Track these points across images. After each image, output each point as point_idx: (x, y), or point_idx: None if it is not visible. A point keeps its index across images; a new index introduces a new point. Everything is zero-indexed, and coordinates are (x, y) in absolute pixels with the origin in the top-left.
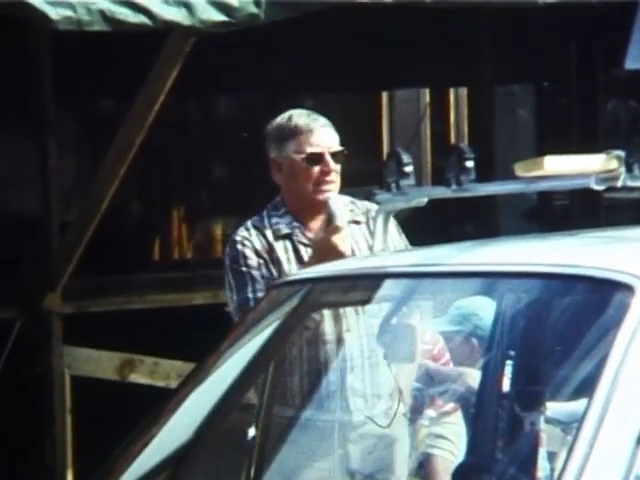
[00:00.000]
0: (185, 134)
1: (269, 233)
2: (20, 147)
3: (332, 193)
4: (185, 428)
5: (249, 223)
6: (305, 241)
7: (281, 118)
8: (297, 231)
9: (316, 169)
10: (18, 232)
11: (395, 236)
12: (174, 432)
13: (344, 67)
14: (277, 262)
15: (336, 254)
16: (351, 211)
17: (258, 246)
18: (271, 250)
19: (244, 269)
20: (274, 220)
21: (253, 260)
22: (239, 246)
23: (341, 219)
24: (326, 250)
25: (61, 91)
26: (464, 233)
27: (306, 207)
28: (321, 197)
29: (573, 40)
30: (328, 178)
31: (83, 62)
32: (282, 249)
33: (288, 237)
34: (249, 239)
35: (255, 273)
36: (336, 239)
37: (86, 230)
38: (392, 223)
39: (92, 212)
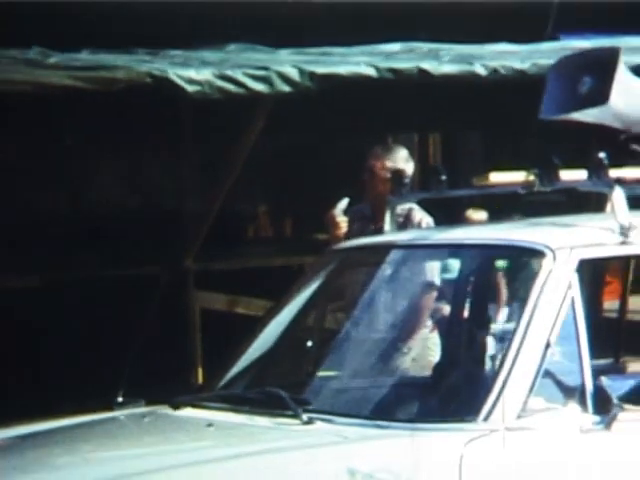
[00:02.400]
0: (274, 158)
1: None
2: (167, 164)
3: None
4: (269, 341)
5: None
6: (369, 228)
7: None
8: (368, 220)
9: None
10: (166, 218)
11: (416, 224)
12: (262, 343)
13: (363, 121)
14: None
15: (332, 234)
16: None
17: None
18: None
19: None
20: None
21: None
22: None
23: (334, 212)
24: (329, 231)
25: (194, 130)
26: (440, 221)
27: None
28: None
29: (507, 98)
30: (365, 188)
31: (207, 114)
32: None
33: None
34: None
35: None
36: (328, 225)
37: (208, 217)
38: (419, 213)
39: (212, 206)
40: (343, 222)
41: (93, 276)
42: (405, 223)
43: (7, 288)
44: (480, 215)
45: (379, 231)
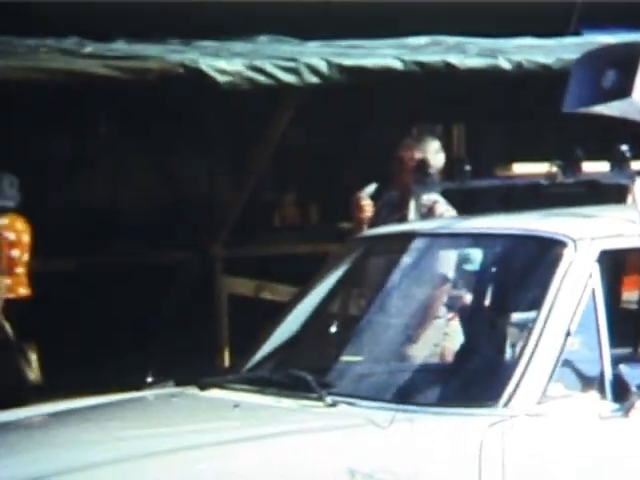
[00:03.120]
0: (302, 148)
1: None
2: (198, 153)
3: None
4: (294, 325)
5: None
6: (394, 216)
7: None
8: (395, 208)
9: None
10: (197, 210)
11: (441, 211)
12: (287, 328)
13: (389, 112)
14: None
15: (356, 217)
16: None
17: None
18: None
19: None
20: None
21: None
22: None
23: (363, 194)
24: (354, 213)
25: (224, 120)
26: (463, 210)
27: None
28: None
29: (531, 91)
30: (394, 177)
31: (237, 104)
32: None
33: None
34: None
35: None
36: (353, 207)
37: (235, 208)
38: (443, 207)
39: (240, 194)
40: (368, 205)
41: (126, 262)
42: (428, 215)
43: (45, 272)
44: None
45: (404, 219)
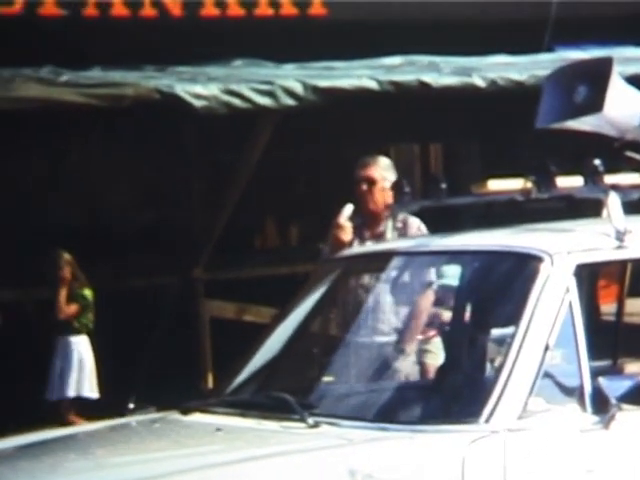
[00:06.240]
0: (280, 170)
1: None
2: (177, 178)
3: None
4: (275, 347)
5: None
6: (364, 235)
7: None
8: (362, 227)
9: (359, 190)
10: (177, 233)
11: (415, 229)
12: (269, 350)
13: (366, 133)
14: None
15: (336, 240)
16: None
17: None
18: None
19: None
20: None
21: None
22: None
23: (340, 218)
24: (333, 236)
25: (203, 144)
26: (440, 229)
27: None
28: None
29: (505, 108)
30: (363, 197)
31: (215, 128)
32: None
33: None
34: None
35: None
36: (336, 230)
37: (217, 229)
38: (413, 219)
39: (220, 217)
40: (349, 228)
41: (108, 288)
42: (404, 229)
43: (22, 301)
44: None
45: (377, 238)
